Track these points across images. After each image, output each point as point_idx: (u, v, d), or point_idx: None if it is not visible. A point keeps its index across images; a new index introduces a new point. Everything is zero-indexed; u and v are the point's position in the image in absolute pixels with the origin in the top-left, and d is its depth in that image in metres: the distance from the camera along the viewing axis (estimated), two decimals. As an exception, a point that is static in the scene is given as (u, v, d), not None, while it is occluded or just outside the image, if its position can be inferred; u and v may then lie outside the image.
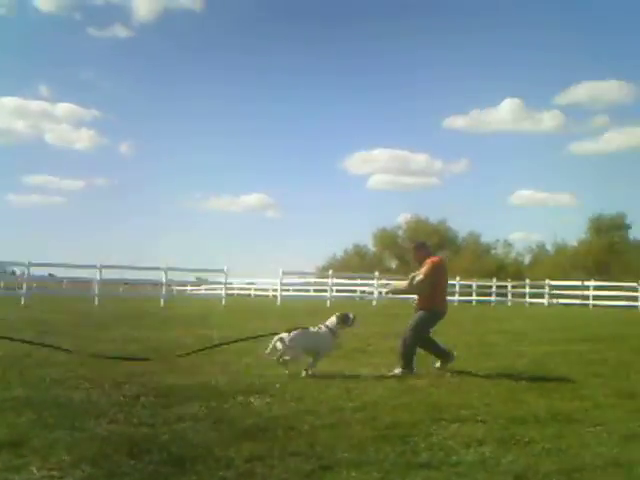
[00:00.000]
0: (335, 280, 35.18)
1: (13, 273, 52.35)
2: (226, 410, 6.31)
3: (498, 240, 65.34)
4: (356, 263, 65.24)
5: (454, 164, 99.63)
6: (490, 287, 38.92)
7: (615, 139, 78.80)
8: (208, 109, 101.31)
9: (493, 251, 65.52)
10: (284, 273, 30.63)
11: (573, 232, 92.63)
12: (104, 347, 11.02)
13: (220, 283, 31.97)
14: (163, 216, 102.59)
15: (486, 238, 67.68)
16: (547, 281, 38.40)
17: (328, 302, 29.65)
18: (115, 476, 4.19)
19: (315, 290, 41.62)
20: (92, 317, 18.72)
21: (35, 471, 4.26)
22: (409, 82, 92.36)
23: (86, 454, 4.61)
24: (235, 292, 44.11)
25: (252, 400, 6.78)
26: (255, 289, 46.88)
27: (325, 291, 33.56)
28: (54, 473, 4.24)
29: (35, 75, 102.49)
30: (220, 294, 30.75)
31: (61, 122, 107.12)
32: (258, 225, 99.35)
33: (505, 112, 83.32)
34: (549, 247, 62.21)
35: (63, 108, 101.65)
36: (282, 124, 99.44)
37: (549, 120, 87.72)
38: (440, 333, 13.78)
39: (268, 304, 30.80)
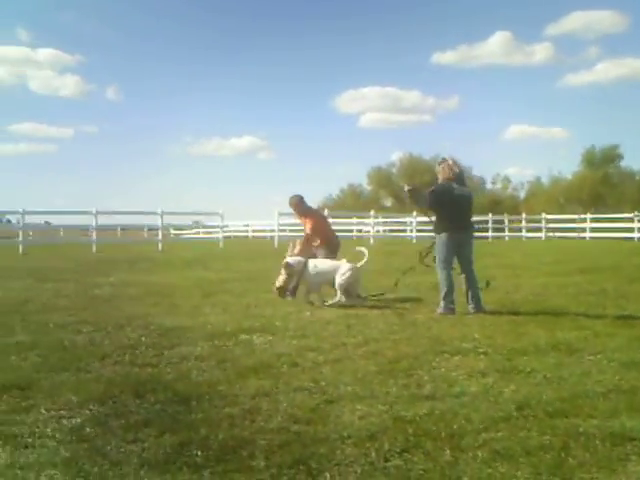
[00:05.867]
0: (331, 220, 35.17)
1: (9, 222, 52.22)
2: (229, 349, 6.35)
3: (498, 174, 65.21)
4: (352, 202, 65.18)
5: (446, 100, 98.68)
6: (486, 222, 38.95)
7: (607, 70, 77.81)
8: (196, 52, 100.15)
9: (489, 186, 65.40)
10: (280, 214, 30.49)
11: (567, 165, 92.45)
12: (103, 292, 11.07)
13: (216, 226, 31.95)
14: (155, 160, 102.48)
15: (480, 174, 67.66)
16: (543, 215, 38.45)
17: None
18: (122, 415, 4.22)
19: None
20: (91, 263, 18.73)
21: (44, 411, 4.30)
22: (396, 20, 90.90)
23: (93, 394, 4.65)
24: (232, 234, 44.02)
25: (254, 339, 6.82)
26: (252, 231, 46.67)
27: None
28: (63, 413, 4.28)
29: (13, 19, 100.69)
30: (217, 237, 30.77)
31: (44, 68, 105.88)
32: (250, 167, 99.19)
33: (495, 46, 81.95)
34: (544, 181, 62.11)
35: (45, 54, 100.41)
36: (271, 66, 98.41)
37: (540, 52, 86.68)
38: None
39: (265, 245, 30.76)
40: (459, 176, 8.83)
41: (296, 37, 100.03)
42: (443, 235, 8.67)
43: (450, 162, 8.82)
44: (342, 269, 9.41)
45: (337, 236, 11.43)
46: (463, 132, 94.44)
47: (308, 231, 10.78)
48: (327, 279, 9.58)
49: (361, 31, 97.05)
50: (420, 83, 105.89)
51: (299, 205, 10.99)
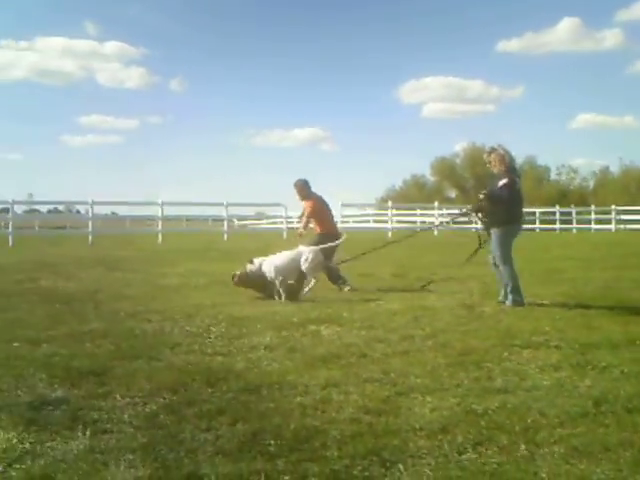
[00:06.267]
0: (395, 211, 35.05)
1: (78, 212, 53.55)
2: (297, 339, 6.38)
3: (563, 165, 63.89)
4: (415, 193, 64.76)
5: (511, 89, 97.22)
6: (554, 214, 38.22)
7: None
8: (258, 44, 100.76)
9: (554, 177, 64.10)
10: (343, 205, 30.54)
11: (639, 154, 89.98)
12: (171, 281, 11.24)
13: (280, 217, 32.10)
14: (218, 152, 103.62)
15: (545, 163, 66.46)
16: (613, 206, 37.51)
17: (389, 233, 29.57)
18: (195, 403, 4.27)
19: (375, 221, 41.40)
20: (157, 253, 19.06)
21: (119, 398, 4.39)
22: (459, 6, 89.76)
23: (166, 382, 4.72)
24: (295, 226, 44.13)
25: (322, 329, 6.84)
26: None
27: (385, 222, 33.46)
28: (137, 400, 4.36)
29: (80, 12, 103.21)
30: (281, 228, 30.92)
31: (111, 61, 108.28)
32: (313, 159, 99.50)
33: (562, 32, 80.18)
34: (614, 170, 60.58)
35: (112, 47, 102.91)
36: (333, 58, 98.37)
37: (610, 39, 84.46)
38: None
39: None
40: (512, 166, 8.68)
41: (358, 26, 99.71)
42: (504, 228, 8.51)
43: (502, 152, 8.59)
44: (304, 255, 9.37)
45: (337, 228, 11.36)
46: (528, 121, 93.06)
47: (307, 213, 10.74)
48: (291, 270, 9.43)
49: (424, 19, 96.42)
50: (484, 72, 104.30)
51: (303, 188, 10.92)
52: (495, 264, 8.64)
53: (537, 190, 55.59)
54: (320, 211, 10.84)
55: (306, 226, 10.73)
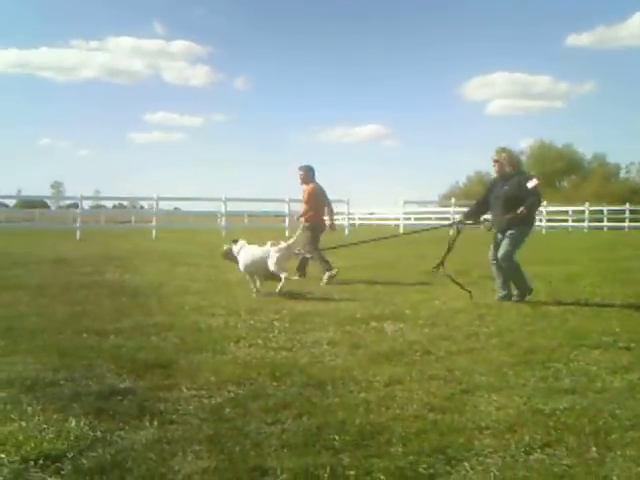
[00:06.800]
0: (457, 209, 34.66)
1: (141, 208, 54.55)
2: (360, 335, 6.37)
3: (632, 163, 62.17)
4: (479, 190, 63.93)
5: (580, 85, 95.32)
6: (623, 212, 37.22)
7: None
8: (323, 40, 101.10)
9: (624, 174, 62.41)
10: (405, 202, 30.40)
11: None
12: (234, 276, 11.32)
13: (341, 213, 32.07)
14: (281, 149, 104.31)
15: (615, 161, 64.74)
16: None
17: (451, 231, 29.24)
18: (260, 397, 4.30)
19: (437, 219, 40.92)
20: (220, 248, 19.21)
21: (185, 390, 4.45)
22: (529, 1, 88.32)
23: (231, 376, 4.77)
24: (356, 222, 43.95)
25: (385, 326, 6.81)
26: (376, 219, 46.41)
27: (447, 219, 33.10)
28: (203, 392, 4.42)
29: (149, 13, 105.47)
30: (342, 224, 30.88)
31: (177, 59, 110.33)
32: (376, 155, 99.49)
33: (635, 27, 78.22)
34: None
35: (178, 45, 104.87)
36: (396, 52, 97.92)
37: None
38: (570, 260, 13.44)
39: (391, 233, 30.62)
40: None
41: (424, 19, 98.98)
42: (527, 228, 8.61)
43: (513, 153, 8.97)
44: (271, 257, 9.19)
45: (324, 219, 11.72)
46: (598, 118, 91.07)
47: (305, 198, 11.35)
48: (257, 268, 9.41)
49: (490, 15, 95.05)
50: (552, 68, 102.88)
51: (307, 173, 11.47)
52: (496, 262, 8.71)
53: (606, 188, 54.25)
54: (316, 198, 11.36)
55: (306, 213, 11.28)
